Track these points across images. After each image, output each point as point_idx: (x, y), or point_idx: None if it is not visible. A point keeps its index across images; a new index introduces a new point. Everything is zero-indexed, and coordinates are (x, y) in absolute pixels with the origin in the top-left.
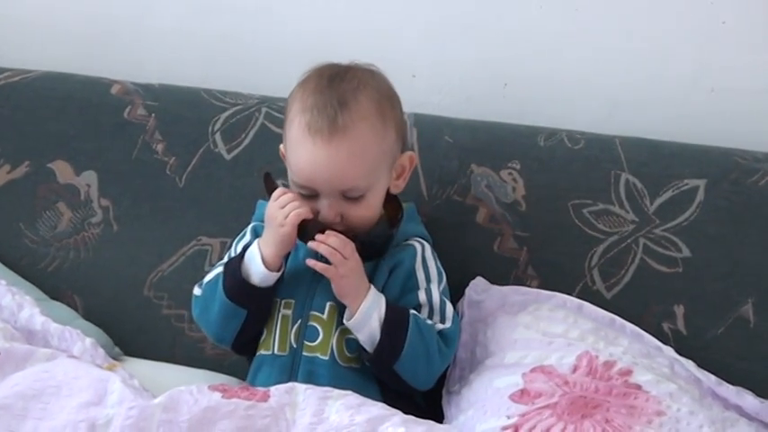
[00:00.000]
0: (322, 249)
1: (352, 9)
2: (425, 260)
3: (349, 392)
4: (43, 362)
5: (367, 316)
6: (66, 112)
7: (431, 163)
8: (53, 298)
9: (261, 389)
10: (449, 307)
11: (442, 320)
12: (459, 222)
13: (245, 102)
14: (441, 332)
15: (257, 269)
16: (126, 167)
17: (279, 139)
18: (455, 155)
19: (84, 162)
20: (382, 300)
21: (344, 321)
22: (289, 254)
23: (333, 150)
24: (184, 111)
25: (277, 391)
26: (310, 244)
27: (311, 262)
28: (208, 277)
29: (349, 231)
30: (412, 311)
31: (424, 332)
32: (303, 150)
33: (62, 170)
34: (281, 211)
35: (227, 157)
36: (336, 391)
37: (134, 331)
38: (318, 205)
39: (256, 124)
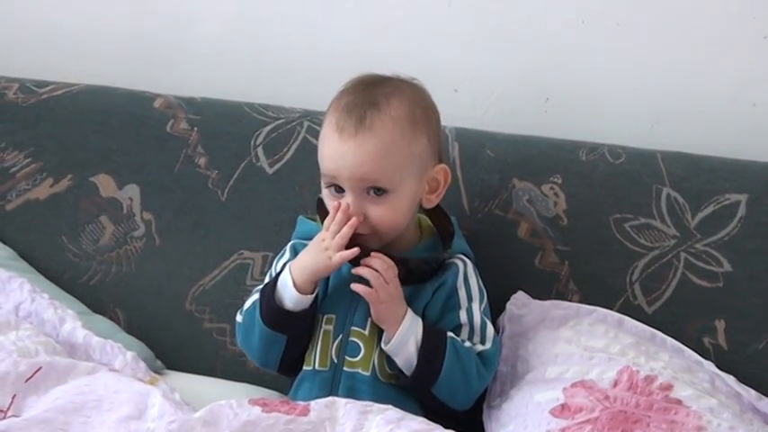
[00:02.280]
0: (365, 273)
1: (394, 23)
2: (467, 278)
3: (389, 407)
4: (84, 376)
5: (404, 341)
6: (109, 126)
7: (472, 177)
8: (95, 311)
9: (301, 403)
10: (489, 328)
11: (482, 341)
12: (500, 237)
13: (287, 115)
14: (480, 353)
15: (290, 294)
16: (168, 181)
17: None
18: (496, 169)
19: (126, 176)
20: (419, 324)
21: (382, 346)
22: None
23: (357, 144)
24: (227, 125)
25: (317, 405)
26: (355, 270)
27: (354, 285)
28: (247, 304)
29: (374, 236)
30: (450, 334)
31: (462, 355)
32: (329, 144)
33: (105, 184)
34: (333, 243)
35: (270, 171)
36: (377, 406)
37: (176, 345)
38: (344, 201)
39: (298, 138)
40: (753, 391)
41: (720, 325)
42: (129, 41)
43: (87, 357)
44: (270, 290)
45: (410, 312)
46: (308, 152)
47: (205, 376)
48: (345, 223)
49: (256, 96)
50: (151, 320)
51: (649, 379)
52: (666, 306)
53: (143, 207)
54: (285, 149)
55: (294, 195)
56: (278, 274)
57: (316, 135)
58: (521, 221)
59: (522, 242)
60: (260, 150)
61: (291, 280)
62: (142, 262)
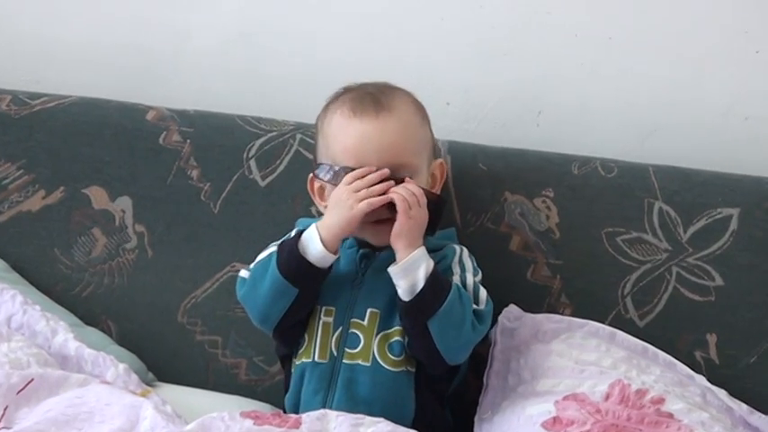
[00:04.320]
0: (401, 189)
1: (387, 37)
2: (462, 260)
3: (381, 420)
4: (76, 387)
5: (415, 265)
6: (102, 138)
7: (464, 191)
8: (87, 323)
9: (293, 416)
10: (482, 292)
11: (476, 302)
12: (492, 250)
13: (279, 128)
14: (474, 311)
15: (315, 248)
16: (161, 193)
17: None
18: (489, 183)
19: (119, 188)
20: (432, 262)
21: (389, 268)
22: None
23: (381, 124)
24: (219, 137)
25: (309, 418)
26: (392, 190)
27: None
28: (258, 259)
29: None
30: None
31: (464, 300)
32: (351, 131)
33: (97, 196)
34: (355, 194)
35: (262, 183)
36: (368, 419)
37: (168, 357)
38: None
39: (291, 151)
40: (744, 405)
41: (712, 339)
42: (121, 54)
43: (79, 369)
44: (293, 242)
45: (425, 249)
46: (301, 165)
47: (197, 388)
48: (366, 175)
49: (249, 109)
50: (143, 332)
51: (641, 392)
52: (658, 320)
53: (135, 219)
54: (278, 162)
55: (287, 208)
56: (301, 231)
57: (308, 148)
58: (513, 235)
59: (514, 255)
60: (252, 163)
61: (319, 235)
62: (134, 274)
